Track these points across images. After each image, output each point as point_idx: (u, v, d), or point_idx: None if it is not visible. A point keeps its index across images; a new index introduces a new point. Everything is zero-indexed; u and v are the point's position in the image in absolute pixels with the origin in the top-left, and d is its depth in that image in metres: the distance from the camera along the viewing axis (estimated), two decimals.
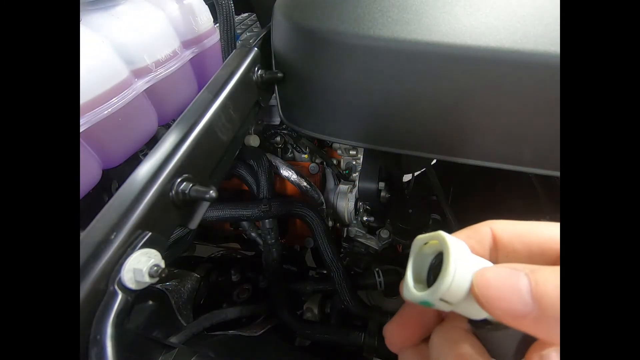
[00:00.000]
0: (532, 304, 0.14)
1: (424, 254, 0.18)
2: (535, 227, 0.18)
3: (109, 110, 0.37)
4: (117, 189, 0.27)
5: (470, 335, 0.17)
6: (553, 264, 0.17)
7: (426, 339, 0.19)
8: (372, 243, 0.64)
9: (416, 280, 0.18)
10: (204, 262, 0.69)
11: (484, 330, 0.17)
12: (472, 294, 0.16)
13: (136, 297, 0.24)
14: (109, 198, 0.26)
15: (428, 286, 0.17)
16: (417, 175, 0.76)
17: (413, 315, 0.19)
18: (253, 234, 0.63)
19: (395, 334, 0.20)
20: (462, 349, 0.17)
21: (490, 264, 0.17)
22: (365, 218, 0.63)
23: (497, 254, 0.18)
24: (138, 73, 0.41)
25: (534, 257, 0.17)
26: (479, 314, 0.17)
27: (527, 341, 0.16)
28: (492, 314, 0.15)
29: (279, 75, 0.43)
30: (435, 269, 0.17)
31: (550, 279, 0.14)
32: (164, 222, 0.28)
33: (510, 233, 0.18)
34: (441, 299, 0.16)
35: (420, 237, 0.18)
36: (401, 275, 0.59)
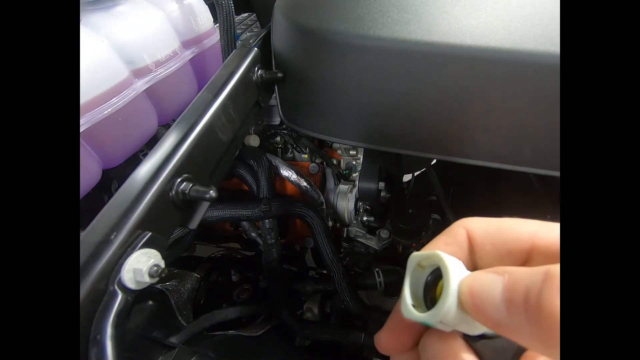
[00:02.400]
0: (505, 310, 0.14)
1: (419, 270, 0.18)
2: (505, 226, 0.17)
3: (109, 110, 0.37)
4: (117, 189, 0.27)
5: (460, 337, 0.17)
6: (521, 264, 0.17)
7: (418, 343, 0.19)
8: (372, 243, 0.64)
9: (413, 297, 0.18)
10: (204, 262, 0.69)
11: (479, 343, 0.17)
12: (460, 303, 0.15)
13: (136, 297, 0.24)
14: (109, 198, 0.26)
15: (425, 303, 0.17)
16: (417, 175, 0.76)
17: (403, 322, 0.18)
18: (253, 234, 0.63)
19: (386, 341, 0.19)
20: (454, 353, 0.16)
21: None
22: (365, 218, 0.63)
23: (473, 254, 0.18)
24: (138, 73, 0.41)
25: (503, 258, 0.17)
26: (477, 330, 0.17)
27: (521, 352, 0.16)
28: (478, 321, 0.15)
29: (279, 75, 0.43)
30: (431, 287, 0.17)
31: (520, 279, 0.14)
32: (164, 222, 0.28)
33: (482, 233, 0.18)
34: (441, 322, 0.16)
35: (416, 255, 0.18)
36: (401, 275, 0.59)
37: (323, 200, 0.59)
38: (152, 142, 0.39)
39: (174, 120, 0.44)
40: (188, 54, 0.48)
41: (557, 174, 0.36)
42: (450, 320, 0.16)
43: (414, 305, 0.17)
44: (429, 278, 0.17)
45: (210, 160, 0.34)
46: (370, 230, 0.65)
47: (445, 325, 0.16)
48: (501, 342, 0.17)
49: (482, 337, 0.17)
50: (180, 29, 0.46)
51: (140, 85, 0.41)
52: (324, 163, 0.62)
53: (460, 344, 0.17)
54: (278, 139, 0.61)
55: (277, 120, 0.60)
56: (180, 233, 0.55)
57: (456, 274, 0.16)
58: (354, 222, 0.63)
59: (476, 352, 0.17)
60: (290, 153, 0.63)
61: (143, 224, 0.25)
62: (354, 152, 0.60)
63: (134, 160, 0.42)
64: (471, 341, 0.17)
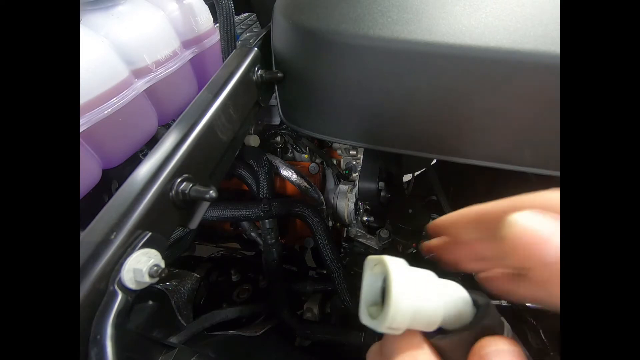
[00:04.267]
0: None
1: (376, 274, 0.18)
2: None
3: (109, 110, 0.37)
4: (117, 189, 0.27)
5: (419, 333, 0.18)
6: None
7: None
8: (372, 243, 0.64)
9: (372, 302, 0.18)
10: (204, 262, 0.69)
11: (436, 338, 0.18)
12: (506, 242, 0.16)
13: (136, 297, 0.24)
14: (109, 198, 0.26)
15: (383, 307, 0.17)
16: (417, 175, 0.76)
17: None
18: (253, 234, 0.63)
19: None
20: (411, 347, 0.17)
21: (433, 276, 0.18)
22: (365, 218, 0.63)
23: None
24: (138, 73, 0.41)
25: None
26: (430, 328, 0.17)
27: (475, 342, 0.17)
28: (523, 261, 0.16)
29: (279, 75, 0.43)
30: (385, 292, 0.17)
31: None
32: (164, 222, 0.28)
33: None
34: (390, 328, 0.16)
35: (370, 258, 0.18)
36: None
37: (323, 200, 0.59)
38: (152, 142, 0.39)
39: (174, 120, 0.44)
40: (188, 54, 0.48)
41: (557, 174, 0.36)
42: (399, 324, 0.16)
43: (372, 310, 0.17)
44: (383, 283, 0.18)
45: (210, 160, 0.34)
46: (370, 230, 0.65)
47: (396, 330, 0.17)
48: (456, 335, 0.17)
49: (437, 331, 0.18)
50: (180, 29, 0.46)
51: (140, 85, 0.41)
52: (324, 163, 0.62)
53: (418, 338, 0.18)
54: (278, 139, 0.61)
55: (277, 120, 0.60)
56: (180, 233, 0.55)
57: (401, 280, 0.16)
58: (354, 222, 0.63)
59: (434, 346, 0.17)
60: (290, 153, 0.63)
61: (143, 224, 0.25)
62: (354, 152, 0.60)
63: (134, 160, 0.42)
64: (428, 337, 0.18)
